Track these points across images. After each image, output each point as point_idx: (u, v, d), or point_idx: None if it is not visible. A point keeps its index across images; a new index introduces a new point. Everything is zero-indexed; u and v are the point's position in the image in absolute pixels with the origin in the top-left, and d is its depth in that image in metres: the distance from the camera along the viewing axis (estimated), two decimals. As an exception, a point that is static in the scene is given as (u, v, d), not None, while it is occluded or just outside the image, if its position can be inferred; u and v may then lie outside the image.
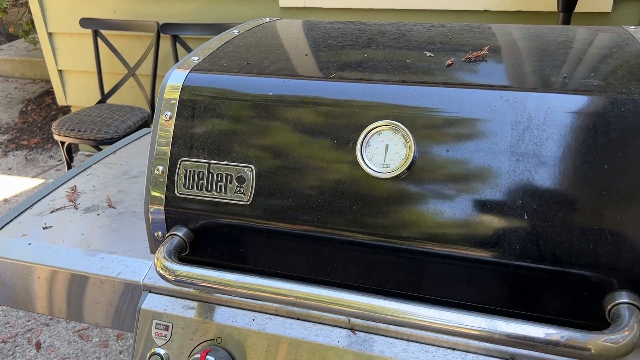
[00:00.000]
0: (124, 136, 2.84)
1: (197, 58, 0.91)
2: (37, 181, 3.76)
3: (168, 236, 0.82)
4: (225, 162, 0.81)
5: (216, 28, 3.03)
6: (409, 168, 0.72)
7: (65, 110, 4.53)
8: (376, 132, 0.74)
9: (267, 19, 1.18)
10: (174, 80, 0.86)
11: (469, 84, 0.75)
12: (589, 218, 0.67)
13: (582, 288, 0.68)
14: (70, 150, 3.14)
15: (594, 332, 0.61)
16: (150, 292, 0.89)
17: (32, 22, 4.18)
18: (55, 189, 1.17)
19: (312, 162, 0.77)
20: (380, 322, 0.69)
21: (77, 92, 3.80)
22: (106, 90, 3.40)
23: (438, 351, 0.75)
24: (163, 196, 0.83)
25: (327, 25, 1.09)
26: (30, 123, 4.66)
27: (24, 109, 4.89)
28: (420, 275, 0.74)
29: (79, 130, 2.91)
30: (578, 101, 0.69)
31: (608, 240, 0.66)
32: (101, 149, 3.19)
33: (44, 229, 1.02)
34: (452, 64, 0.81)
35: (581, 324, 0.69)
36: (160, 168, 0.83)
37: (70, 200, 1.11)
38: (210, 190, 0.81)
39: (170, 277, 0.77)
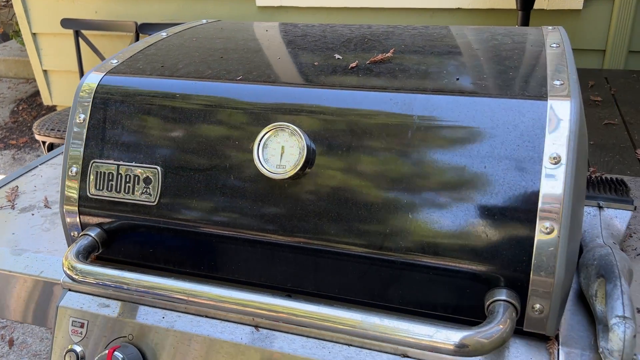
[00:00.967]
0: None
1: (115, 61, 0.92)
2: (23, 180, 3.78)
3: (80, 236, 0.84)
4: (133, 164, 0.82)
5: (194, 28, 3.05)
6: (302, 169, 0.74)
7: (53, 110, 4.56)
8: (272, 134, 0.76)
9: (204, 21, 1.19)
10: (89, 82, 0.88)
11: (364, 86, 0.77)
12: (469, 217, 0.68)
13: (466, 286, 0.70)
14: (52, 150, 3.18)
15: (465, 327, 0.63)
16: (70, 290, 0.91)
17: (20, 23, 4.21)
18: (-3, 190, 1.20)
19: (215, 162, 0.79)
20: (257, 318, 0.71)
21: (61, 91, 3.84)
22: (89, 90, 3.42)
23: (334, 347, 0.77)
24: (77, 197, 0.85)
25: (259, 28, 1.11)
26: (21, 122, 4.70)
27: (15, 109, 4.93)
28: (315, 273, 0.76)
29: (58, 130, 2.93)
30: (460, 102, 0.71)
31: (487, 239, 0.68)
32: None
33: (-22, 228, 1.05)
34: (355, 66, 0.83)
35: (470, 320, 0.71)
36: (74, 169, 0.85)
37: (9, 201, 1.14)
38: (120, 191, 0.83)
39: (76, 276, 0.79)
